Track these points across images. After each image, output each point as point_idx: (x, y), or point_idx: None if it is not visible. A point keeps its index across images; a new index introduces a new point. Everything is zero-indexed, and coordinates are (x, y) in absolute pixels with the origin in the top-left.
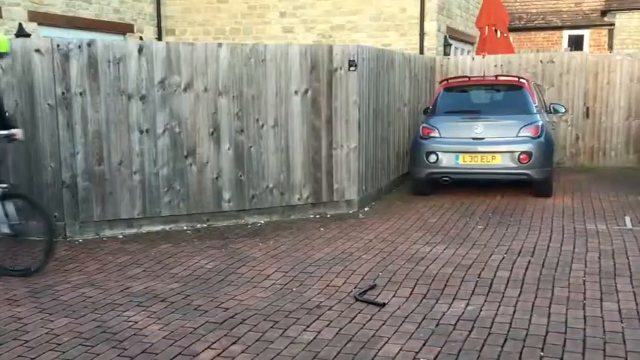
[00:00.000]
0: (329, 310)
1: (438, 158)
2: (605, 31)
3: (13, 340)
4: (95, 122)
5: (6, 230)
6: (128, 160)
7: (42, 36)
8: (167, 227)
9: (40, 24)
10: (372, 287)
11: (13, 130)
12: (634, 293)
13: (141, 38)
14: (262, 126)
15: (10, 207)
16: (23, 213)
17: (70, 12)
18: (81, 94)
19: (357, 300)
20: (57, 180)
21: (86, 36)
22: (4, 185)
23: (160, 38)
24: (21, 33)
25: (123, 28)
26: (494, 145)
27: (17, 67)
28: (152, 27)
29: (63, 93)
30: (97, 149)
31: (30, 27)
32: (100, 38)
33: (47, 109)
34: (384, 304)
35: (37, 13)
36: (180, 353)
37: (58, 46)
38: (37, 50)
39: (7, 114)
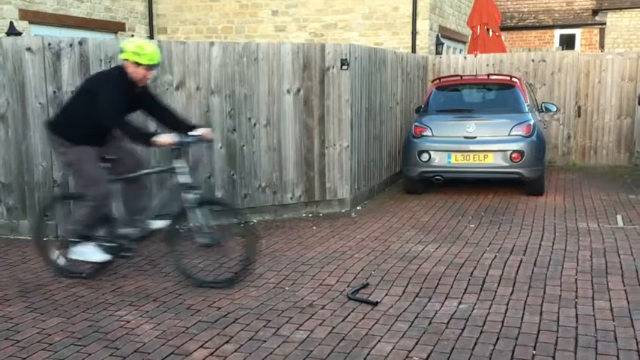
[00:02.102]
0: (322, 309)
1: (430, 157)
2: (596, 30)
3: (4, 340)
4: None
5: (204, 240)
6: None
7: (33, 35)
8: None
9: (31, 22)
10: (365, 286)
11: (201, 130)
12: (625, 291)
13: (132, 37)
14: (255, 125)
15: (205, 214)
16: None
17: (62, 10)
18: (72, 92)
19: (349, 299)
20: (48, 179)
21: (77, 35)
22: (199, 191)
23: (151, 37)
24: (12, 31)
25: (114, 27)
26: (486, 144)
27: (8, 65)
28: (144, 26)
29: (54, 92)
30: None
31: (21, 25)
32: (92, 37)
33: (38, 108)
34: (376, 303)
35: (28, 11)
36: (172, 352)
37: (49, 44)
38: (29, 49)
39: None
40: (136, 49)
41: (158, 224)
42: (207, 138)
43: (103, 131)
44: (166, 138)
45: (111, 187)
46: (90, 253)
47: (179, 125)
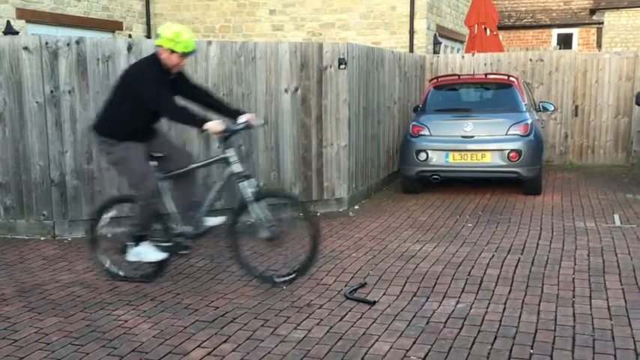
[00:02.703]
0: (319, 308)
1: (427, 156)
2: (593, 30)
3: (1, 339)
4: (84, 120)
5: (265, 234)
6: None
7: (30, 33)
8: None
9: (28, 21)
10: (363, 285)
11: (246, 116)
12: (623, 290)
13: (130, 36)
14: None
15: (264, 208)
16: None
17: (59, 9)
18: (70, 92)
19: (347, 298)
20: (45, 178)
21: (75, 34)
22: (255, 184)
23: (149, 36)
24: (9, 30)
25: (112, 26)
26: (483, 143)
27: (5, 64)
28: (141, 25)
29: (51, 91)
30: (86, 147)
31: (18, 24)
32: (89, 36)
33: (36, 107)
34: (374, 302)
35: (25, 10)
36: (170, 352)
37: (46, 43)
38: (26, 48)
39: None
40: (172, 35)
41: (214, 221)
42: (254, 124)
43: (147, 126)
44: (217, 125)
45: (159, 183)
46: (146, 252)
47: (224, 109)
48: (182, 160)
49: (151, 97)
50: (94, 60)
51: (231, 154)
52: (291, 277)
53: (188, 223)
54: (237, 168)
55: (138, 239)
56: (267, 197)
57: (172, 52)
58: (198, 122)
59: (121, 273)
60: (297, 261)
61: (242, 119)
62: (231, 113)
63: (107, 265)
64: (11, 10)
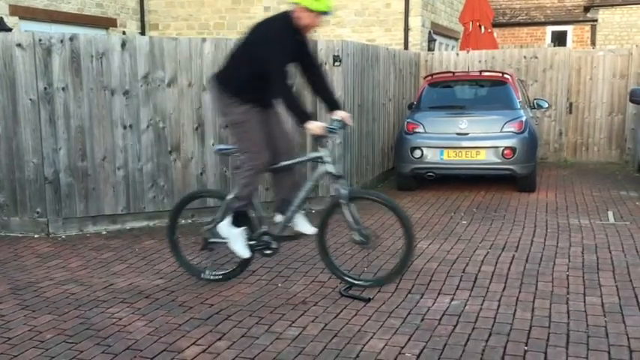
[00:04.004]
0: (314, 305)
1: (422, 154)
2: (588, 27)
3: None
4: (78, 118)
5: (355, 237)
6: (112, 156)
7: (23, 30)
8: (151, 223)
9: (21, 18)
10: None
11: (341, 114)
12: (616, 287)
13: (124, 33)
14: None
15: (356, 210)
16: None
17: (52, 6)
18: (63, 89)
19: (342, 295)
20: (39, 176)
21: (68, 30)
22: (348, 185)
23: (143, 33)
24: (2, 27)
25: (106, 23)
26: (478, 140)
27: None
28: (135, 21)
29: (45, 88)
30: (79, 145)
31: (11, 21)
32: (83, 33)
33: (29, 105)
34: (369, 300)
35: (18, 7)
36: (165, 349)
37: (39, 40)
38: (19, 45)
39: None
40: None
41: (307, 229)
42: (348, 124)
43: (266, 90)
44: (319, 128)
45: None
46: (236, 238)
47: (326, 98)
48: (282, 145)
49: (268, 58)
50: (88, 57)
51: (325, 153)
52: (382, 279)
53: (275, 223)
54: (330, 168)
55: (235, 220)
56: (359, 199)
57: (310, 10)
58: (301, 116)
59: (204, 271)
60: (390, 264)
61: (337, 116)
62: (330, 104)
63: (188, 262)
64: (4, 7)
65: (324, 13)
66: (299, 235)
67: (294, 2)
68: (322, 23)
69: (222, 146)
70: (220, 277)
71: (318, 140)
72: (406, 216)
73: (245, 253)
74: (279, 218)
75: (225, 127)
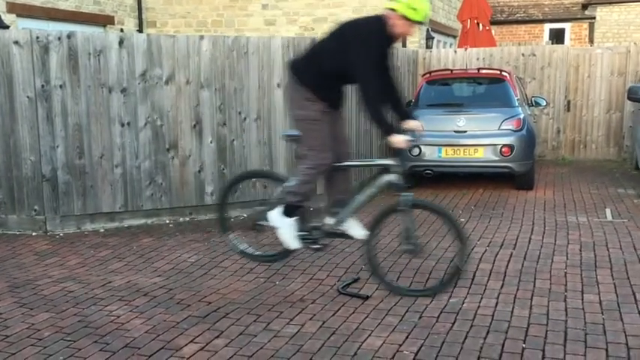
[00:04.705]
0: (312, 303)
1: (420, 151)
2: (586, 25)
3: None
4: (75, 115)
5: (408, 247)
6: (109, 154)
7: (21, 28)
8: (149, 221)
9: (18, 15)
10: (356, 280)
11: (414, 124)
12: (614, 285)
13: (121, 30)
14: (245, 119)
15: (413, 220)
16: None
17: (50, 3)
18: (61, 86)
19: (340, 293)
20: (37, 173)
21: (66, 28)
22: (411, 195)
23: (141, 30)
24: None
25: (103, 20)
26: (476, 138)
27: None
28: (133, 19)
29: (42, 85)
30: (77, 142)
31: (8, 19)
32: (80, 30)
33: (26, 102)
34: (367, 297)
35: (15, 4)
36: (162, 347)
37: (37, 37)
38: (16, 42)
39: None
40: (411, 1)
41: (357, 233)
42: (421, 133)
43: (342, 91)
44: (403, 142)
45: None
46: (288, 230)
47: (397, 108)
48: (342, 147)
49: (360, 61)
50: (86, 54)
51: (395, 163)
52: (434, 288)
53: (328, 218)
54: (395, 179)
55: (287, 209)
56: (416, 208)
57: (406, 18)
58: (386, 128)
59: (252, 251)
60: (443, 272)
61: (409, 126)
62: (401, 114)
63: (237, 244)
64: (1, 4)
65: (419, 22)
66: (348, 236)
67: (390, 9)
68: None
69: (290, 132)
70: (261, 257)
71: (394, 150)
72: (463, 231)
73: (293, 244)
74: (330, 220)
75: (295, 120)
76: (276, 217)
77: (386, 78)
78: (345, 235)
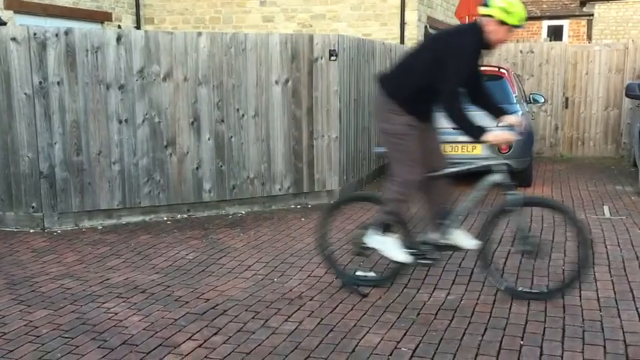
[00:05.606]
0: (310, 300)
1: None
2: (584, 22)
3: None
4: (73, 112)
5: (524, 247)
6: (107, 151)
7: (18, 24)
8: (147, 218)
9: (16, 12)
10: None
11: (511, 119)
12: (612, 282)
13: (119, 27)
14: (243, 116)
15: (526, 218)
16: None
17: (47, 0)
18: (58, 83)
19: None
20: (34, 170)
21: (63, 24)
22: (521, 194)
23: (138, 27)
24: None
25: (101, 17)
26: None
27: None
28: (131, 15)
29: (40, 82)
30: (75, 139)
31: (6, 15)
32: (78, 27)
33: (24, 99)
34: (366, 295)
35: (13, 0)
36: (161, 344)
37: (34, 34)
38: (14, 39)
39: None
40: (505, 5)
41: (467, 243)
42: (520, 128)
43: (432, 104)
44: (502, 135)
45: (423, 176)
46: (390, 245)
47: (490, 107)
48: (439, 159)
49: (452, 74)
50: (83, 51)
51: (497, 161)
52: (541, 294)
53: (435, 231)
54: (500, 178)
55: (384, 228)
56: (529, 205)
57: (503, 23)
58: (476, 131)
59: (359, 273)
60: (564, 274)
61: (507, 121)
62: (495, 112)
63: (341, 269)
64: None
65: (517, 26)
66: (458, 248)
67: (486, 15)
68: None
69: (381, 149)
70: (373, 279)
71: (493, 148)
72: (582, 224)
73: (403, 258)
74: (434, 233)
75: (382, 134)
76: (373, 240)
77: (476, 82)
78: (454, 248)
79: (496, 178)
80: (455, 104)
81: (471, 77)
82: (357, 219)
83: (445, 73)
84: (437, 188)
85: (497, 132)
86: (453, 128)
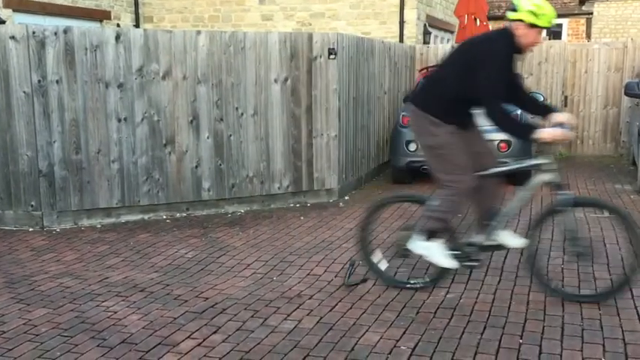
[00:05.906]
0: (309, 299)
1: (417, 147)
2: (583, 20)
3: None
4: (72, 110)
5: (575, 249)
6: (106, 149)
7: (17, 23)
8: (146, 216)
9: (15, 10)
10: (365, 281)
11: (562, 117)
12: (611, 280)
13: (118, 25)
14: (242, 114)
15: (577, 220)
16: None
17: None
18: (57, 81)
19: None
20: (33, 169)
21: (62, 23)
22: (572, 193)
23: (137, 25)
24: None
25: (100, 15)
26: None
27: None
28: (130, 14)
29: (39, 81)
30: (74, 138)
31: (5, 13)
32: (77, 25)
33: (23, 97)
34: (365, 280)
35: None
36: (160, 343)
37: (33, 32)
38: (12, 37)
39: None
40: (534, 7)
41: (514, 242)
42: (571, 125)
43: (470, 112)
44: (554, 133)
45: (475, 180)
46: (435, 251)
47: (535, 107)
48: (488, 160)
49: (486, 83)
50: (82, 49)
51: (548, 160)
52: (596, 296)
53: (481, 232)
54: (550, 177)
55: (429, 234)
56: (581, 206)
57: (532, 26)
58: (525, 131)
59: (398, 278)
60: (617, 275)
61: (557, 119)
62: (543, 111)
63: (383, 270)
64: None
65: (547, 28)
66: (505, 247)
67: (515, 19)
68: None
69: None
70: (419, 284)
71: (544, 146)
72: (634, 224)
73: (448, 263)
74: (481, 234)
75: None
76: (418, 246)
77: (514, 85)
78: (500, 247)
79: (545, 177)
80: (497, 109)
81: (510, 83)
82: (396, 219)
83: (481, 81)
84: (486, 189)
85: (551, 130)
86: (508, 132)
